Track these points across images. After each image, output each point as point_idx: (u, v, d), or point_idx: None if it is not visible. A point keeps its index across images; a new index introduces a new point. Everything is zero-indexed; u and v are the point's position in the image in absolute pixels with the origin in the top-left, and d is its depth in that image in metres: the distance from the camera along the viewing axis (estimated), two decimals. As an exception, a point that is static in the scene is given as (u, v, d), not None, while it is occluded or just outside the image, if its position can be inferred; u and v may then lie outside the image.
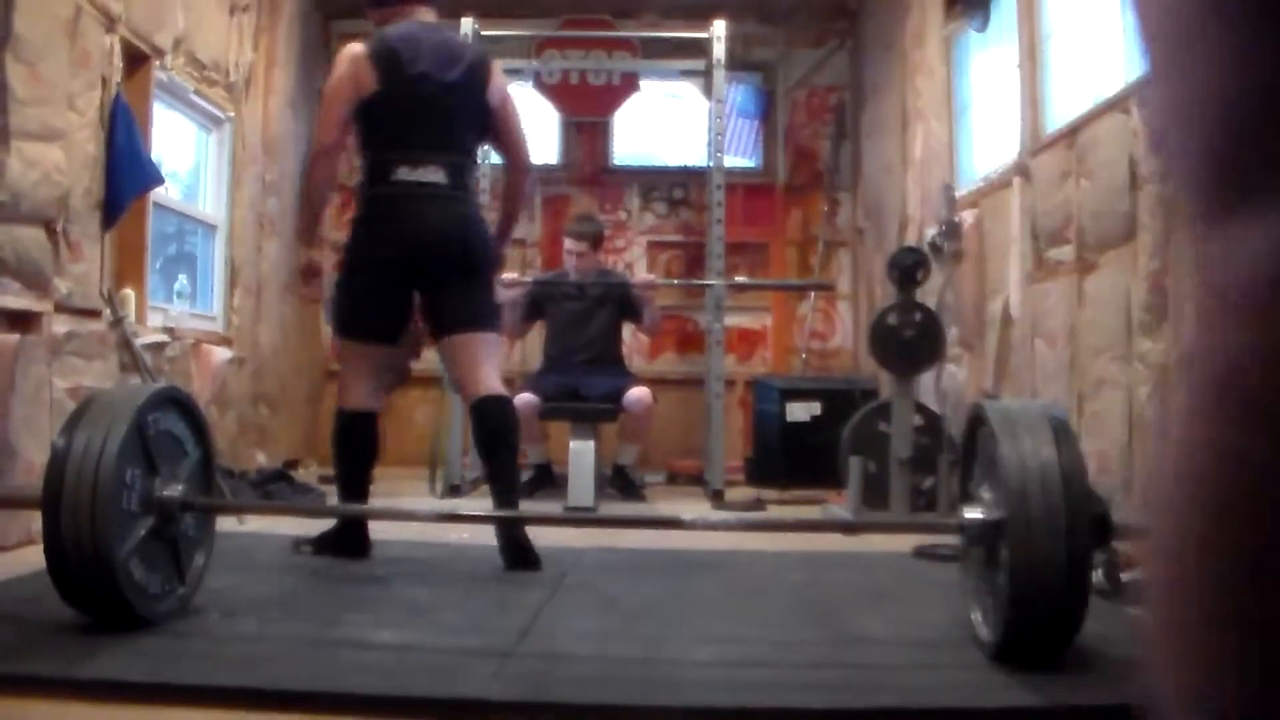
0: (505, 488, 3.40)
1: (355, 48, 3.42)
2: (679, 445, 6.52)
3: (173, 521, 2.45)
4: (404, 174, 3.35)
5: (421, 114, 3.37)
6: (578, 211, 6.64)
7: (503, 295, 5.69)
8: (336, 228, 5.91)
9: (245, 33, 5.55)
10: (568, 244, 5.75)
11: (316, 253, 5.02)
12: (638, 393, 5.39)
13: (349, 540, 3.41)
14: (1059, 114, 4.10)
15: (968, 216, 4.81)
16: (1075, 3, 4.06)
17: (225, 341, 5.40)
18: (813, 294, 6.90)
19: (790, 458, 5.51)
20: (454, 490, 5.29)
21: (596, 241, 5.81)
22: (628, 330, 6.00)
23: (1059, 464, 2.14)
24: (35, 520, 2.33)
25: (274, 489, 4.76)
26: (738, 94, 7.12)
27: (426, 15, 3.55)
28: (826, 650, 2.45)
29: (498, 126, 3.57)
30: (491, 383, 3.42)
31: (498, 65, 3.63)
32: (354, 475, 3.46)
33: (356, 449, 3.46)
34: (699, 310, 6.47)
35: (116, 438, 2.28)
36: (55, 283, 3.73)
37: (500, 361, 3.60)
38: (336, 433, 3.48)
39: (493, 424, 3.39)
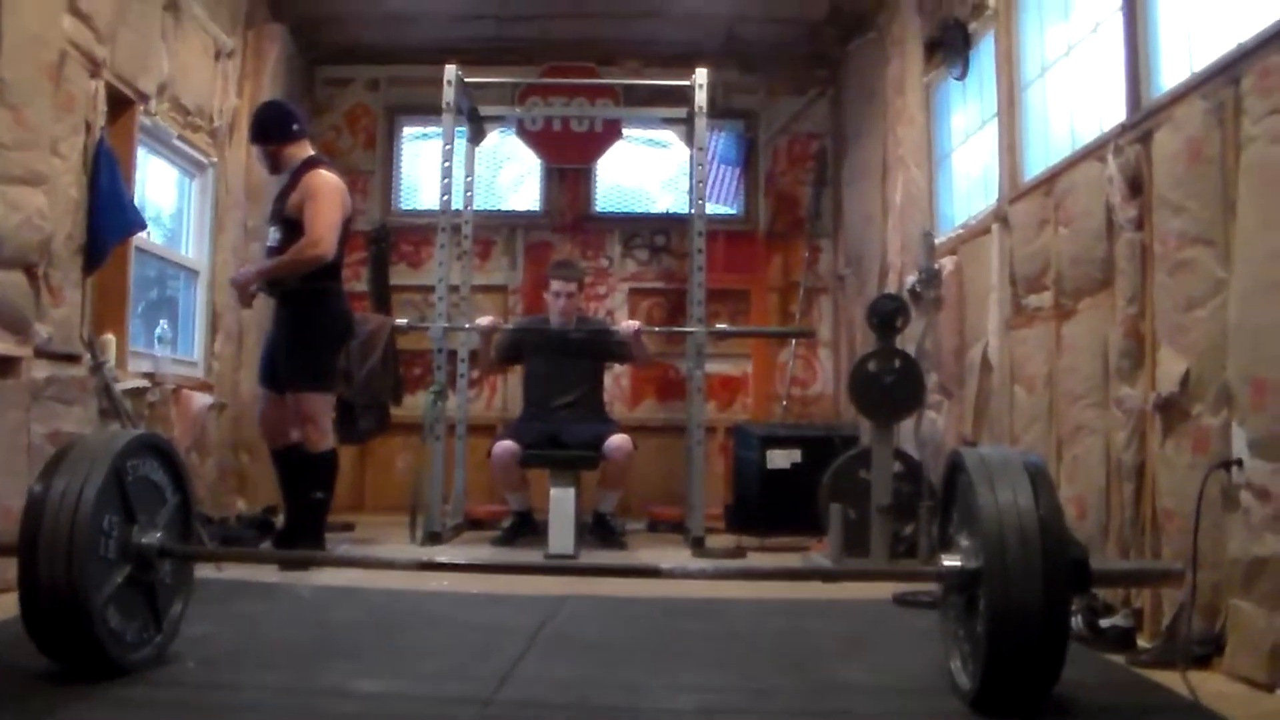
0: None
1: (340, 180, 4.57)
2: (660, 492, 6.50)
3: (150, 569, 2.44)
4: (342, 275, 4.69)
5: (348, 232, 4.67)
6: (558, 257, 6.66)
7: (480, 325, 5.69)
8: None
9: (230, 78, 5.59)
10: (555, 285, 5.70)
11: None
12: (618, 440, 5.37)
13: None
14: (1037, 161, 4.15)
15: (947, 263, 4.86)
16: (1053, 51, 4.12)
17: (206, 387, 5.38)
18: (793, 341, 6.93)
19: (771, 505, 5.49)
20: (434, 538, 5.25)
21: (581, 284, 5.83)
22: (609, 377, 5.99)
23: (1036, 511, 2.15)
24: (10, 567, 2.31)
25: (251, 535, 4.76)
26: (719, 141, 7.18)
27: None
28: (805, 698, 2.44)
29: None
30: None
31: None
32: None
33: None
34: (680, 357, 6.48)
35: (94, 484, 2.27)
36: (35, 327, 3.73)
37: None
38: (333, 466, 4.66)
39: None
